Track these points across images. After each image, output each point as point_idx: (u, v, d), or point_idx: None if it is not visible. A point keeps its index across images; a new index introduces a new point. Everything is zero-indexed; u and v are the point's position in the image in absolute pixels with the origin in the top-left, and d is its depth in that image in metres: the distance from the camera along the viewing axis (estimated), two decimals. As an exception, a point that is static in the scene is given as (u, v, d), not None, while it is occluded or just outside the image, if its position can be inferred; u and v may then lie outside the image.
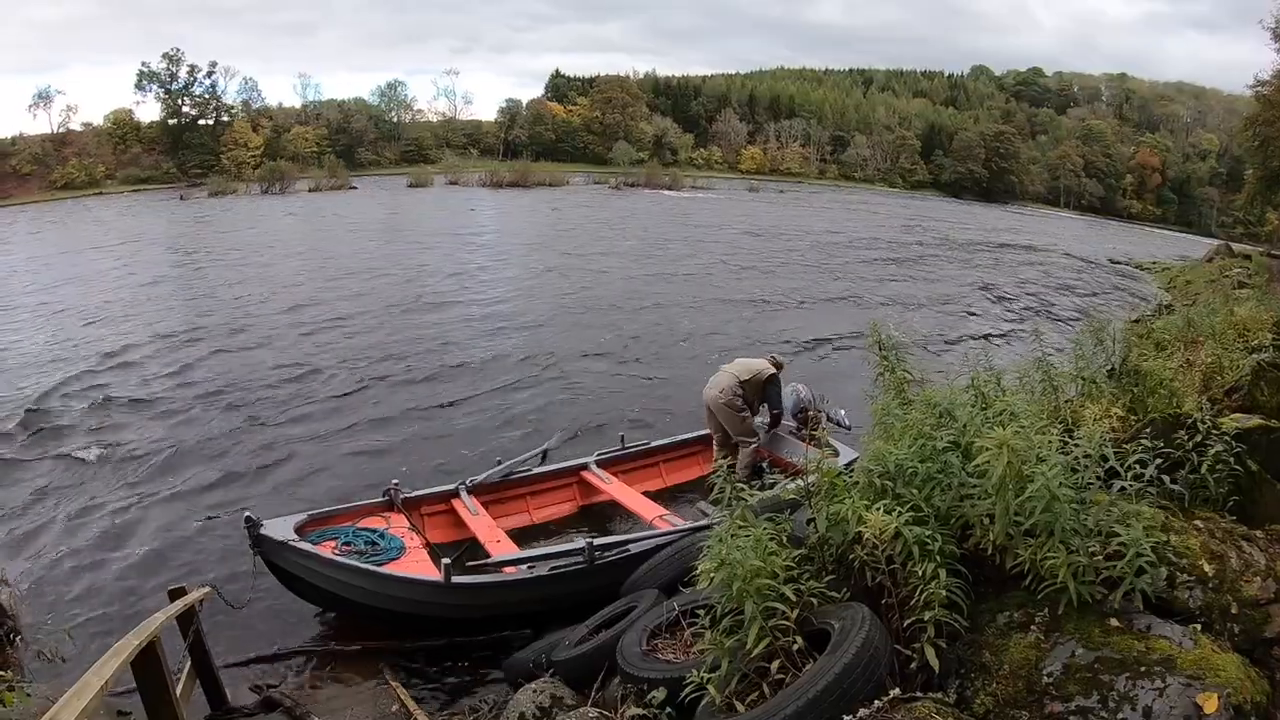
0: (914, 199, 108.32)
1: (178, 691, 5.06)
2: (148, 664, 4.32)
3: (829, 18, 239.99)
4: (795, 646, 4.14)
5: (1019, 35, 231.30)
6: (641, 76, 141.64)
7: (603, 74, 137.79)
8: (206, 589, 6.83)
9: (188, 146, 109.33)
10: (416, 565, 8.28)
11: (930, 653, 4.00)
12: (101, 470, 13.61)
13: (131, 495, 12.61)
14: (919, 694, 3.97)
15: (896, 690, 3.89)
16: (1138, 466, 4.29)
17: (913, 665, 4.10)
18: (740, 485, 4.61)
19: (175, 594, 6.13)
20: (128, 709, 6.54)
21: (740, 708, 4.17)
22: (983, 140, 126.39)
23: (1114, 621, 3.91)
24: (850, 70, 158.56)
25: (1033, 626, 4.05)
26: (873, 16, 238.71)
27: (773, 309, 26.21)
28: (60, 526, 11.77)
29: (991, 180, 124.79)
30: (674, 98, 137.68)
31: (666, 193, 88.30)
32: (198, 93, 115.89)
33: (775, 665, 4.15)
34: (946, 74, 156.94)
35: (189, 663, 6.24)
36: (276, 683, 7.61)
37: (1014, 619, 4.15)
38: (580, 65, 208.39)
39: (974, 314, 26.58)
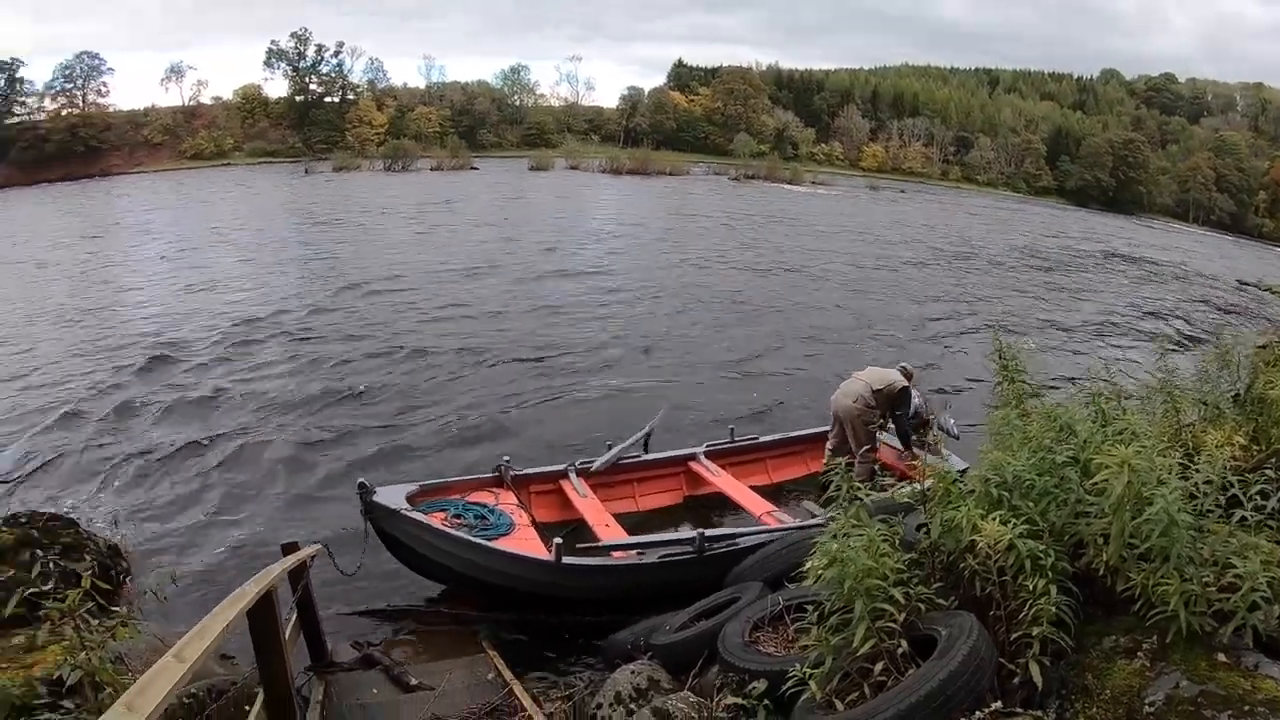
0: (1041, 206, 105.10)
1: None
2: (263, 613, 4.46)
3: (956, 15, 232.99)
4: (900, 650, 4.15)
5: (1151, 38, 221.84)
6: (764, 69, 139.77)
7: (725, 65, 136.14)
8: (317, 546, 7.01)
9: (313, 123, 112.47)
10: (525, 543, 8.41)
11: (1035, 669, 3.98)
12: (222, 423, 14.11)
13: (248, 449, 13.07)
14: (1019, 710, 3.96)
15: (998, 704, 3.89)
16: (1259, 498, 4.15)
17: (1015, 680, 4.08)
18: (857, 485, 4.62)
19: (288, 549, 6.31)
20: (230, 653, 6.81)
21: (840, 706, 4.18)
22: (1111, 147, 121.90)
23: (1221, 656, 3.83)
24: (976, 69, 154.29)
25: (1139, 653, 3.99)
26: (1000, 15, 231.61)
27: (896, 312, 25.82)
28: (177, 473, 12.24)
29: (1118, 190, 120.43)
30: (796, 91, 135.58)
31: (787, 187, 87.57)
32: (324, 71, 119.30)
33: (879, 667, 4.16)
34: (1075, 76, 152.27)
35: (295, 615, 6.42)
36: (377, 641, 7.82)
37: (1120, 644, 4.10)
38: (702, 55, 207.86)
39: (1097, 328, 25.85)
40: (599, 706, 5.65)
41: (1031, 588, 4.03)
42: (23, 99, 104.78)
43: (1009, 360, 6.08)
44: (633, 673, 5.83)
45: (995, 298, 29.93)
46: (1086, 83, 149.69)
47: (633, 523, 9.72)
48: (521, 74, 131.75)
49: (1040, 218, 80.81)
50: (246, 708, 4.81)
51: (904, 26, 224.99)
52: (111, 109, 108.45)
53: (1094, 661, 4.09)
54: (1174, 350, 21.64)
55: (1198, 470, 4.22)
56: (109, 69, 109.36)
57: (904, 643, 4.16)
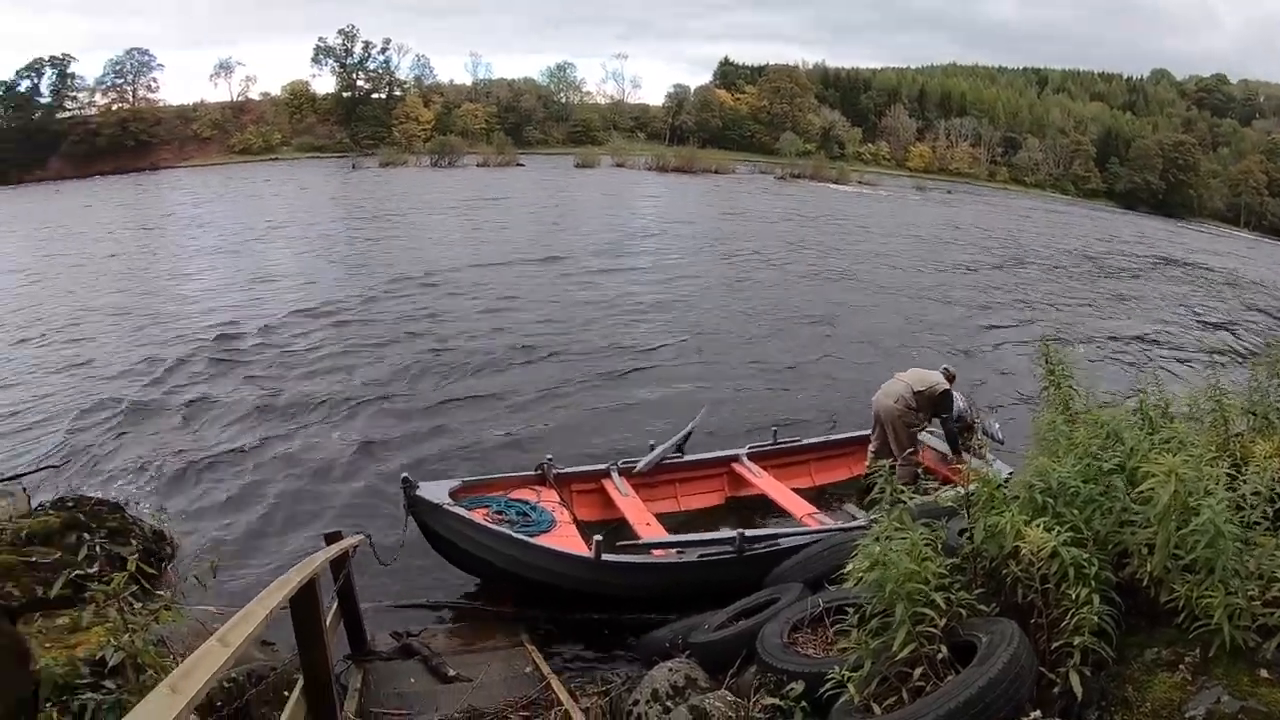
0: (1090, 209, 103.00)
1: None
2: (305, 600, 4.51)
3: (1003, 14, 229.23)
4: (940, 656, 4.12)
5: (1201, 38, 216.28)
6: (810, 67, 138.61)
7: (771, 63, 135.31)
8: (360, 536, 7.10)
9: (360, 118, 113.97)
10: (566, 540, 8.46)
11: (1075, 679, 3.91)
12: (269, 414, 14.33)
13: (295, 439, 13.26)
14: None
15: (1037, 713, 3.84)
16: (1307, 511, 4.08)
17: (1055, 690, 4.04)
18: (900, 488, 4.60)
19: (331, 538, 6.41)
20: (270, 640, 6.91)
21: (877, 710, 4.15)
22: (1161, 149, 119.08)
23: (1264, 672, 3.75)
24: (1025, 69, 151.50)
25: (1181, 666, 3.92)
26: (1048, 13, 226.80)
27: (945, 315, 25.53)
28: (223, 462, 12.45)
29: (1168, 193, 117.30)
30: (843, 90, 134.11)
31: (833, 186, 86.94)
32: (371, 68, 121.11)
33: (918, 672, 4.14)
34: (1125, 76, 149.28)
35: (336, 604, 6.49)
36: (416, 632, 7.88)
37: (1162, 656, 4.04)
38: (749, 54, 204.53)
39: (1147, 335, 25.40)
40: (635, 703, 5.67)
41: (1074, 596, 3.97)
42: (74, 94, 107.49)
43: (1056, 365, 6.03)
44: (670, 670, 5.84)
45: (1045, 302, 29.54)
46: (1136, 83, 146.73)
47: (674, 523, 9.74)
48: (568, 71, 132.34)
49: (1091, 221, 79.46)
50: (285, 693, 4.86)
51: (952, 25, 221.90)
52: (161, 104, 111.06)
53: (1135, 673, 4.04)
54: (1224, 359, 21.36)
55: (1245, 481, 4.14)
56: (159, 65, 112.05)
57: (944, 648, 4.12)
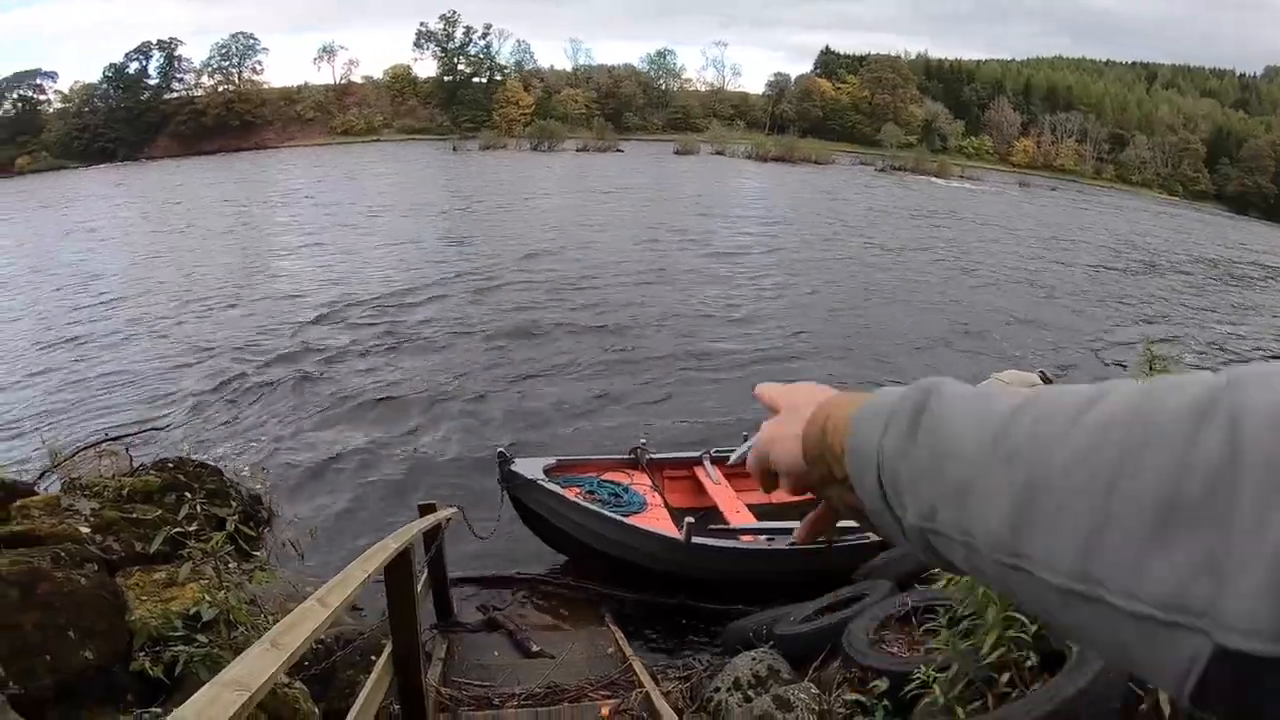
0: (1203, 212, 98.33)
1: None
2: (399, 569, 4.60)
3: (1111, 5, 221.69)
4: (1028, 663, 4.07)
5: None
6: (913, 57, 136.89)
7: (873, 53, 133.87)
8: (454, 509, 7.19)
9: (461, 102, 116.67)
10: (656, 522, 8.48)
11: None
12: (370, 386, 14.68)
13: (391, 412, 13.56)
14: (1142, 737, 3.87)
15: (1123, 729, 3.80)
16: None
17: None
18: None
19: (425, 509, 6.50)
20: (359, 605, 7.06)
21: (961, 714, 4.12)
22: (1274, 150, 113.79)
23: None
24: (1133, 63, 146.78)
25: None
26: (1158, 6, 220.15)
27: (1057, 318, 24.81)
28: (324, 429, 12.75)
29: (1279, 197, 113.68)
30: (945, 82, 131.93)
31: (934, 180, 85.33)
32: (472, 52, 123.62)
33: (1005, 678, 4.09)
34: (1238, 74, 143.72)
35: (426, 574, 6.61)
36: (502, 606, 8.00)
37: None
38: (848, 43, 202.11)
39: (1260, 349, 24.65)
40: (716, 690, 5.70)
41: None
42: (181, 76, 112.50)
43: (1160, 373, 5.89)
44: (753, 660, 5.85)
45: (1159, 309, 28.48)
46: (1249, 80, 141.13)
47: (765, 512, 9.66)
48: (667, 58, 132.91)
49: (1207, 226, 76.10)
50: (373, 658, 4.97)
51: (1057, 16, 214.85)
52: (265, 86, 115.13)
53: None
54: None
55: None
56: (263, 49, 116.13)
57: (1034, 655, 4.08)
